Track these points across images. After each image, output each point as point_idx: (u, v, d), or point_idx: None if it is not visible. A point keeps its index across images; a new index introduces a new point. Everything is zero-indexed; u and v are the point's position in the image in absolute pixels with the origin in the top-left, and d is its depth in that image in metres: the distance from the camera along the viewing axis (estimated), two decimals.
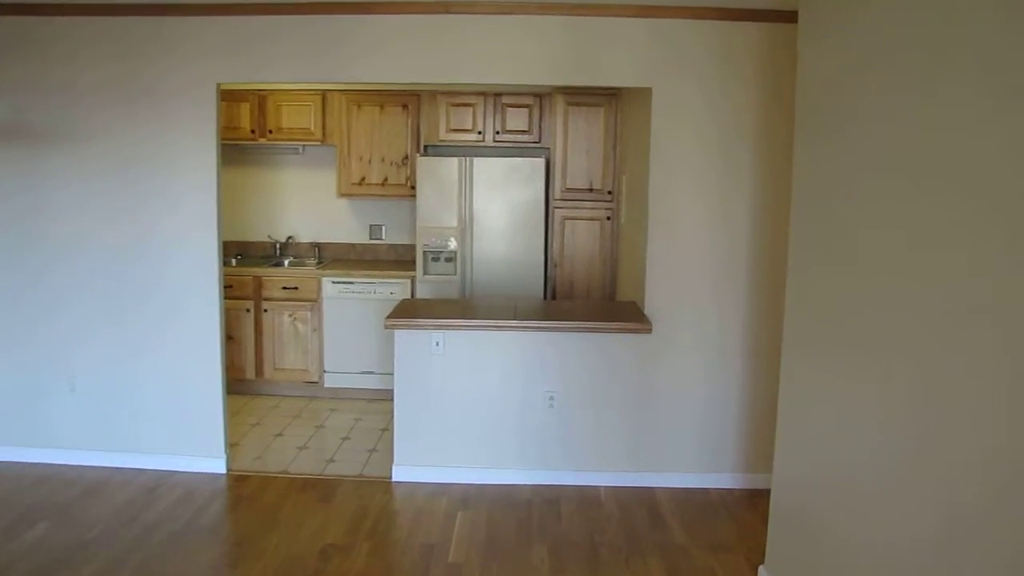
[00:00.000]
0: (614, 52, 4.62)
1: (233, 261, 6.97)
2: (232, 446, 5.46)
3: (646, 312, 4.78)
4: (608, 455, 4.86)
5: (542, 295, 6.32)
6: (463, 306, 5.02)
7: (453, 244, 6.25)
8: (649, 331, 4.64)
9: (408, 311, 4.81)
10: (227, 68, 4.71)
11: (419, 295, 6.35)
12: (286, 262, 7.01)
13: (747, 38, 4.57)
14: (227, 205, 6.87)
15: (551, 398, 4.78)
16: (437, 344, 4.70)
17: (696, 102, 4.64)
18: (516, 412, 4.81)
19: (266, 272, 6.58)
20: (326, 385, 6.60)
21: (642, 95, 4.99)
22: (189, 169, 4.81)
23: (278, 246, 7.10)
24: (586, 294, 6.35)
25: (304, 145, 6.96)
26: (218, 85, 4.75)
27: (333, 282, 6.48)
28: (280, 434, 5.85)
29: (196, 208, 4.84)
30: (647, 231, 4.75)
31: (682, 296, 4.77)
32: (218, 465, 5.02)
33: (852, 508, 2.72)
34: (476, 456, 4.85)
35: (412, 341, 4.72)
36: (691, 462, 4.88)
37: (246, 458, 5.35)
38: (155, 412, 5.01)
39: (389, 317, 4.64)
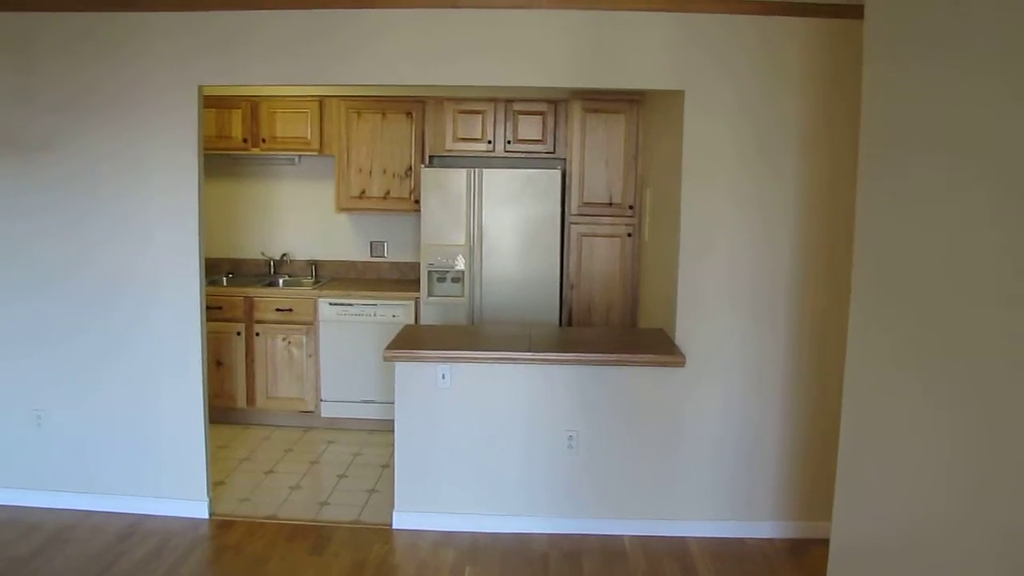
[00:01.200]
0: (642, 51, 4.13)
1: (224, 280, 6.49)
2: (217, 485, 4.96)
3: (676, 341, 4.27)
4: (634, 501, 4.34)
5: (557, 319, 5.81)
6: (472, 334, 4.51)
7: (461, 263, 5.75)
8: (682, 364, 4.13)
9: (410, 340, 4.30)
10: (210, 69, 4.23)
11: (424, 319, 5.85)
12: (280, 281, 6.52)
13: (792, 35, 4.07)
14: (218, 220, 6.43)
15: (571, 437, 4.27)
16: (443, 377, 4.19)
17: (734, 106, 4.15)
18: (531, 453, 4.29)
19: (258, 292, 6.08)
20: (323, 415, 6.10)
21: (671, 99, 4.50)
22: (167, 185, 4.30)
23: (272, 264, 6.61)
24: (605, 318, 5.84)
25: (300, 155, 6.48)
26: (200, 88, 4.26)
27: (330, 303, 5.98)
28: (271, 471, 5.34)
29: (175, 228, 4.34)
30: (678, 250, 4.25)
31: (717, 324, 4.26)
32: (199, 508, 4.51)
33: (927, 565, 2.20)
34: (486, 501, 4.34)
35: (415, 374, 4.21)
36: (727, 509, 4.36)
37: (232, 499, 4.84)
38: (130, 448, 4.51)
39: (389, 348, 4.13)
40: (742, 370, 4.27)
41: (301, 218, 6.63)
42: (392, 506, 4.42)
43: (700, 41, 4.11)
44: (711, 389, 4.27)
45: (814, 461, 4.27)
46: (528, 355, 4.08)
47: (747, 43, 4.10)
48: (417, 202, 6.05)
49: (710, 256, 4.22)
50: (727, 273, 4.23)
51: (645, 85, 4.28)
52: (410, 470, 4.31)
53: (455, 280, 5.82)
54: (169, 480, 4.51)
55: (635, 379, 4.22)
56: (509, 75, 4.20)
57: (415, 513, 4.35)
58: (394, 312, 5.95)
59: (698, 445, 4.31)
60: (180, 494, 4.51)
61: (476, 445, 4.28)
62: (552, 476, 4.31)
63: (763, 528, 4.36)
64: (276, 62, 4.19)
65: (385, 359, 4.12)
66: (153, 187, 4.31)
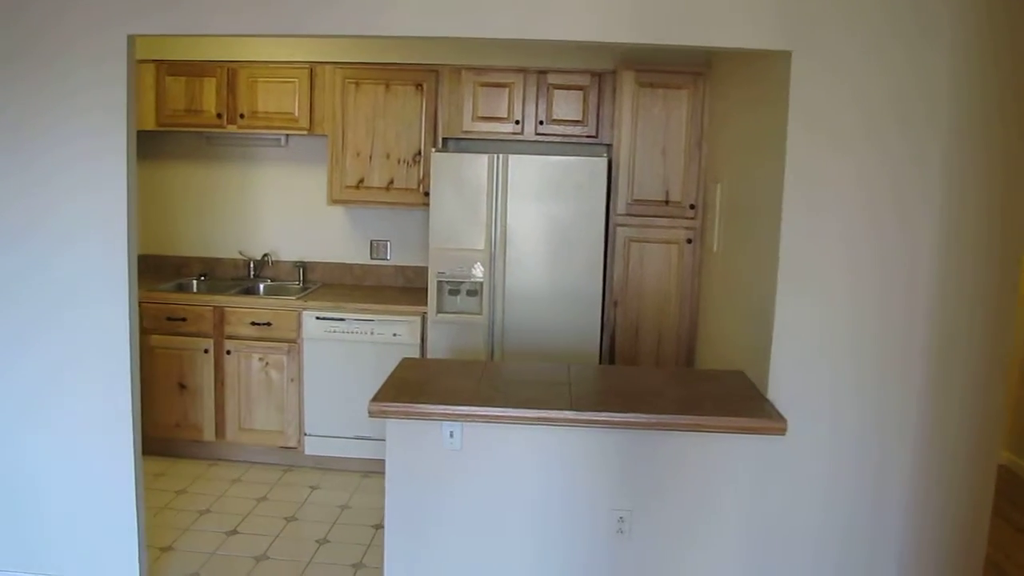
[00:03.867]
0: None
1: (193, 284, 5.38)
2: (163, 552, 3.89)
3: (770, 396, 3.12)
4: None
5: (597, 344, 4.67)
6: (491, 377, 3.36)
7: (479, 273, 4.61)
8: (782, 431, 2.97)
9: (407, 386, 3.17)
10: (144, 12, 3.09)
11: (431, 341, 4.71)
12: (261, 287, 5.41)
13: None
14: (188, 211, 5.41)
15: (621, 519, 3.13)
16: (451, 436, 3.06)
17: (861, 75, 2.99)
18: (570, 539, 3.14)
19: (230, 301, 4.97)
20: (307, 451, 4.99)
21: (761, 67, 3.35)
22: (85, 157, 3.20)
23: (252, 265, 5.50)
24: (656, 347, 4.70)
25: (287, 135, 5.36)
26: (130, 38, 3.14)
27: (318, 317, 4.85)
28: (235, 531, 4.24)
29: (95, 216, 3.26)
30: (775, 268, 3.10)
31: (831, 374, 3.10)
32: None
33: None
34: None
35: (413, 435, 3.08)
36: None
37: (178, 574, 3.75)
38: (39, 511, 3.45)
39: (378, 399, 2.99)
40: (863, 443, 3.11)
41: (287, 211, 5.52)
42: None
43: None
44: (817, 467, 3.11)
45: (963, 566, 3.12)
46: (569, 415, 2.93)
47: None
48: (427, 194, 4.91)
49: (823, 276, 3.07)
50: (847, 300, 3.07)
51: (738, 43, 3.08)
52: (404, 560, 3.18)
53: (471, 293, 4.69)
54: (89, 552, 3.42)
55: (713, 448, 3.07)
56: (545, 26, 3.05)
57: None
58: (395, 330, 4.82)
59: (795, 539, 3.15)
60: (105, 569, 3.43)
61: (494, 527, 3.14)
62: (596, 569, 3.17)
63: None
64: (234, 5, 3.07)
65: (371, 415, 2.98)
66: (64, 160, 3.21)
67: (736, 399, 3.16)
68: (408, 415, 2.97)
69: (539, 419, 2.95)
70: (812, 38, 3.00)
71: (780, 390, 3.12)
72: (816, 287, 3.07)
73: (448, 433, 3.07)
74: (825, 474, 3.13)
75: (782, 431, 2.97)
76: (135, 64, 3.22)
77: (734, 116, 4.03)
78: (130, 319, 3.35)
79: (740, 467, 3.10)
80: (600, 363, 4.69)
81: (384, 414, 2.97)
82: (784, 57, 3.06)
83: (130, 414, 3.43)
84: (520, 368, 3.57)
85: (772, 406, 3.08)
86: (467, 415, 2.96)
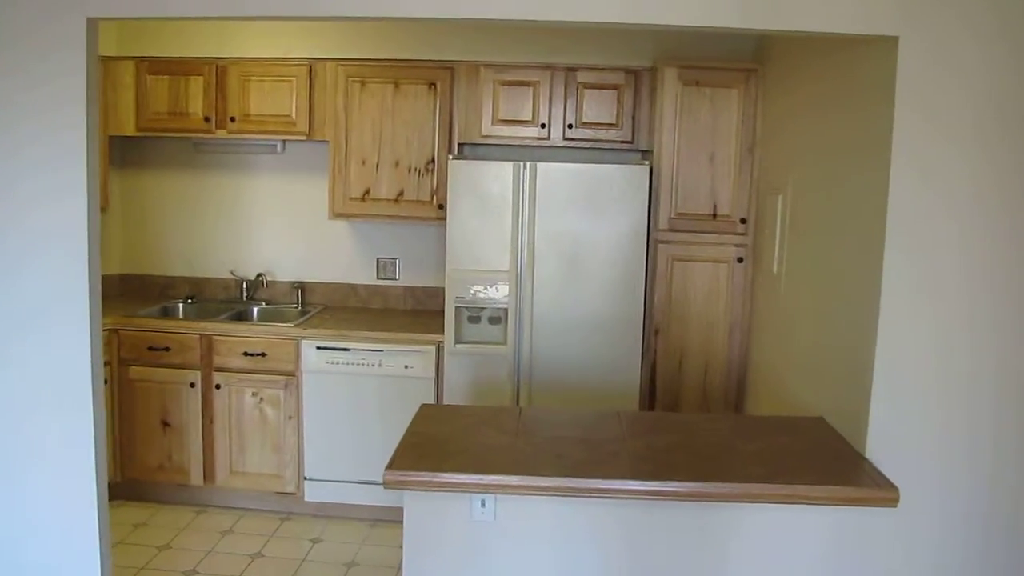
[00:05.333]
0: None
1: (180, 308, 4.82)
2: None
3: (870, 454, 2.56)
4: None
5: (637, 377, 4.10)
6: (528, 430, 2.78)
7: (503, 297, 4.05)
8: (893, 503, 2.40)
9: (427, 447, 2.60)
10: None
11: (448, 374, 4.15)
12: (255, 311, 4.84)
13: None
14: (174, 226, 4.88)
15: None
16: (483, 505, 2.50)
17: (982, 63, 2.44)
18: None
19: (219, 329, 4.40)
20: (307, 498, 4.42)
21: (850, 57, 2.81)
22: (40, 163, 2.66)
23: (245, 286, 4.92)
24: (702, 381, 4.14)
25: (283, 140, 4.79)
26: (90, 21, 2.58)
27: (318, 347, 4.28)
28: None
29: (51, 228, 2.78)
30: (875, 297, 2.55)
31: (944, 426, 2.54)
32: None
33: None
34: None
35: (437, 506, 2.51)
36: None
37: None
38: None
39: (393, 467, 2.42)
40: (1000, 518, 2.54)
41: (284, 226, 4.94)
42: None
43: None
44: (931, 545, 2.55)
45: None
46: (633, 484, 2.36)
47: None
48: (442, 207, 4.35)
49: (940, 302, 2.51)
50: (967, 336, 2.51)
51: (836, 28, 2.52)
52: None
53: (494, 320, 4.13)
54: None
55: (807, 523, 2.51)
56: (585, 7, 2.50)
57: None
58: (407, 362, 4.25)
59: None
60: None
61: None
62: None
63: None
64: None
65: (387, 486, 2.41)
66: (20, 168, 2.67)
67: (825, 457, 2.60)
68: (432, 486, 2.41)
69: (595, 491, 2.38)
70: (922, 21, 2.47)
71: (882, 446, 2.57)
72: (930, 315, 2.52)
73: (479, 502, 2.50)
74: (939, 554, 2.56)
75: (892, 502, 2.40)
76: (97, 53, 2.66)
77: (800, 116, 3.48)
78: (92, 350, 2.81)
79: (832, 544, 2.53)
80: (640, 397, 4.13)
81: (403, 485, 2.41)
82: (887, 45, 2.50)
83: (92, 465, 2.85)
84: (561, 418, 2.98)
85: (873, 467, 2.52)
86: (504, 486, 2.39)
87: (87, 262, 2.74)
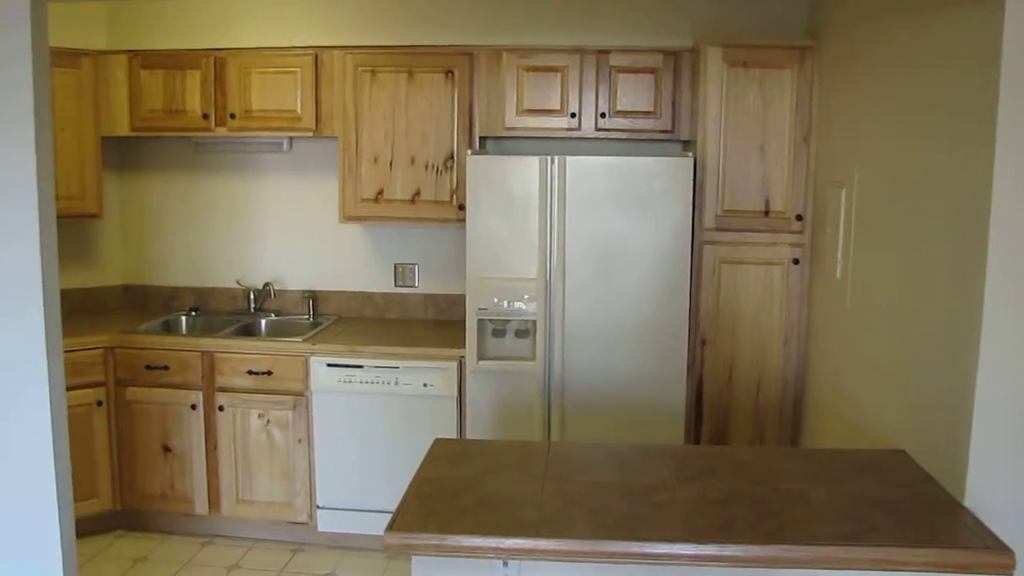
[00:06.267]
0: None
1: (183, 322, 4.46)
2: None
3: (970, 500, 2.12)
4: None
5: (683, 393, 3.67)
6: (558, 473, 2.35)
7: (531, 307, 3.63)
8: (1009, 570, 1.96)
9: (438, 499, 2.18)
10: None
11: (472, 392, 3.74)
12: (263, 323, 4.47)
13: None
14: (174, 232, 4.54)
15: None
16: (505, 565, 2.08)
17: None
18: None
19: (220, 345, 4.02)
20: (320, 528, 4.04)
21: (929, 22, 2.35)
22: None
23: (252, 296, 4.55)
24: (754, 395, 3.71)
25: (289, 137, 4.40)
26: (35, 2, 2.20)
27: (329, 364, 3.90)
28: None
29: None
30: (974, 316, 2.11)
31: None
32: None
33: None
34: None
35: (449, 574, 2.10)
36: None
37: None
38: None
39: (396, 527, 2.01)
40: None
41: (292, 230, 4.56)
42: None
43: None
44: None
45: None
46: (689, 549, 1.94)
47: None
48: (462, 208, 3.94)
49: None
50: None
51: None
52: None
53: (521, 334, 3.72)
54: None
55: None
56: None
57: None
58: (426, 379, 3.84)
59: None
60: None
61: None
62: None
63: None
64: None
65: (389, 549, 2.01)
66: None
67: (918, 507, 2.15)
68: (443, 551, 1.99)
69: (640, 556, 1.96)
70: None
71: (987, 492, 2.12)
72: None
73: (501, 564, 2.09)
74: None
75: (1007, 569, 1.96)
76: (46, 36, 2.28)
77: (868, 97, 3.03)
78: (50, 371, 2.44)
79: None
80: (687, 416, 3.70)
81: (409, 550, 2.01)
82: (989, 11, 2.05)
83: (55, 506, 2.48)
84: (597, 456, 2.54)
85: (976, 521, 2.08)
86: (531, 551, 1.97)
87: (40, 269, 2.37)
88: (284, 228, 4.56)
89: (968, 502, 2.13)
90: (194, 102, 4.18)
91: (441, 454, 2.46)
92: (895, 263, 2.70)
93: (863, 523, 2.04)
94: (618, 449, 2.55)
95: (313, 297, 4.52)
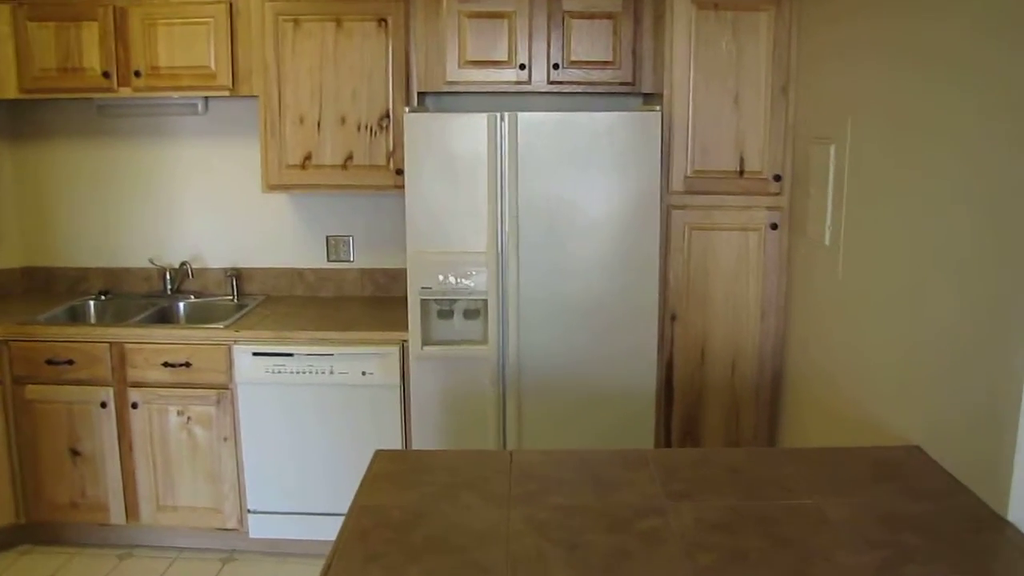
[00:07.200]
0: None
1: (91, 308, 3.98)
2: None
3: (1014, 516, 1.79)
4: None
5: (653, 375, 3.30)
6: (527, 493, 1.95)
7: (481, 284, 3.22)
8: None
9: (382, 539, 1.77)
10: None
11: (417, 381, 3.33)
12: (181, 307, 4.00)
13: None
14: (79, 206, 4.08)
15: None
16: None
17: None
18: None
19: (131, 335, 3.56)
20: (252, 534, 3.62)
21: None
22: None
23: (168, 277, 4.07)
24: (729, 375, 3.37)
25: (204, 97, 3.91)
26: None
27: (255, 353, 3.46)
28: None
29: None
30: (1013, 284, 1.75)
31: None
32: None
33: None
34: None
35: None
36: None
37: None
38: None
39: None
40: None
41: (211, 201, 4.08)
42: None
43: None
44: None
45: None
46: None
47: None
48: (400, 173, 3.50)
49: None
50: None
51: None
52: None
53: (471, 315, 3.32)
54: None
55: None
56: None
57: None
58: (365, 367, 3.43)
59: None
60: None
61: None
62: None
63: None
64: None
65: None
66: None
67: (950, 523, 1.81)
68: None
69: None
70: None
71: None
72: None
73: None
74: None
75: None
76: None
77: (861, 39, 2.65)
78: None
79: None
80: (657, 401, 3.34)
81: None
82: None
83: None
84: (568, 469, 2.10)
85: (1022, 536, 1.74)
86: None
87: None
88: (202, 199, 4.08)
89: (1012, 515, 1.79)
90: (92, 59, 3.66)
91: (383, 471, 2.06)
92: (903, 228, 2.34)
93: (894, 548, 1.69)
94: (591, 458, 2.16)
95: (237, 275, 4.06)
